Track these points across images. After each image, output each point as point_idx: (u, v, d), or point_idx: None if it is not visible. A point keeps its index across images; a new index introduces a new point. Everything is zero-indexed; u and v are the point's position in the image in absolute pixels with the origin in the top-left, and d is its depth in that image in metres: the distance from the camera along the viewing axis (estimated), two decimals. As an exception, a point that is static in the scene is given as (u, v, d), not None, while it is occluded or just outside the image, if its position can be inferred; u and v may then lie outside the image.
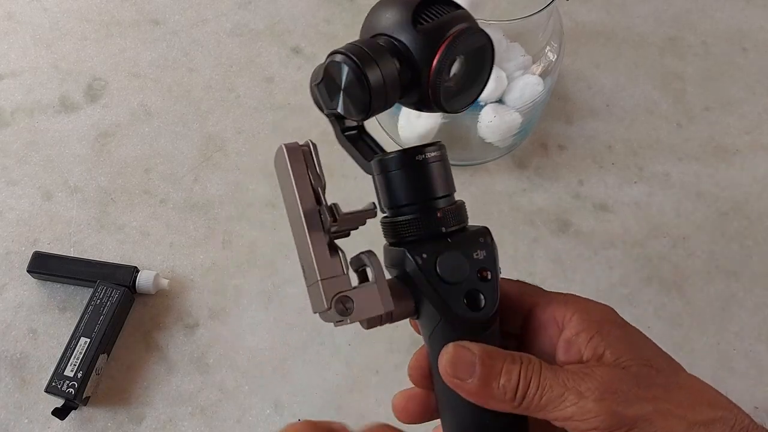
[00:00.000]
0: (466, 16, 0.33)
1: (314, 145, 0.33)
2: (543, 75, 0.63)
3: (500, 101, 0.62)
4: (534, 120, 0.67)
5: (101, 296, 0.57)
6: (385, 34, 0.32)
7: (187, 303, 0.60)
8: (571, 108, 0.72)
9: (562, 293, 0.36)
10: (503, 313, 0.35)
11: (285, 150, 0.32)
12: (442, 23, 0.32)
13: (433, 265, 0.33)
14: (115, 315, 0.57)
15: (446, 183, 0.34)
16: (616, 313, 0.34)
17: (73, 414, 0.55)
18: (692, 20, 0.78)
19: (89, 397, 0.56)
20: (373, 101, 0.31)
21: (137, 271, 0.59)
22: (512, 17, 0.56)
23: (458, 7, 0.33)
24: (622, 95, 0.73)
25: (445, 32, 0.32)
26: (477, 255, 0.33)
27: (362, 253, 0.33)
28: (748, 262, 0.63)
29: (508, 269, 0.62)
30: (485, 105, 0.62)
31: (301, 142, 0.33)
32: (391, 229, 0.34)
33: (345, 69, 0.31)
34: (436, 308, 0.34)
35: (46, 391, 0.54)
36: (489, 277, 0.34)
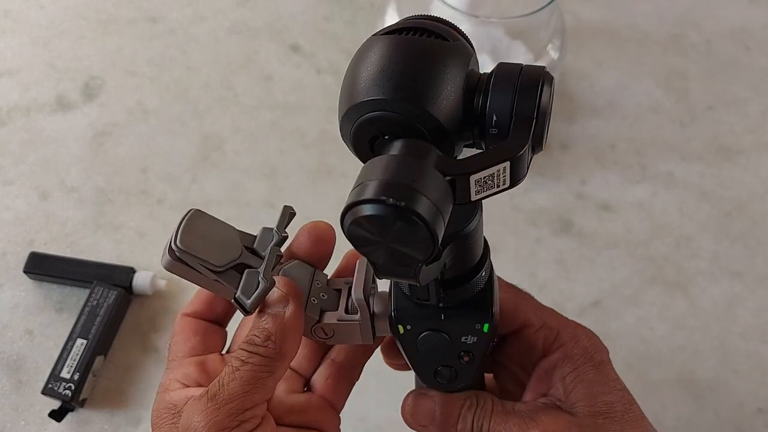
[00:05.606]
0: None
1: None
2: (545, 73, 0.62)
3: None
4: (536, 119, 0.66)
5: (98, 297, 0.57)
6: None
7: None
8: (573, 107, 0.71)
9: (555, 315, 0.37)
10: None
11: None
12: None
13: (414, 338, 0.33)
14: (112, 316, 0.56)
15: (467, 259, 0.31)
16: (599, 346, 0.36)
17: (69, 416, 0.54)
18: (695, 18, 0.78)
19: (86, 399, 0.55)
20: (436, 239, 0.24)
21: (134, 272, 0.59)
22: (514, 15, 0.56)
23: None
24: (624, 94, 0.72)
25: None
26: (466, 339, 0.33)
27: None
28: (752, 263, 0.63)
29: (510, 271, 0.62)
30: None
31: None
32: None
33: (389, 221, 0.23)
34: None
35: (43, 392, 0.53)
36: (470, 360, 0.33)
